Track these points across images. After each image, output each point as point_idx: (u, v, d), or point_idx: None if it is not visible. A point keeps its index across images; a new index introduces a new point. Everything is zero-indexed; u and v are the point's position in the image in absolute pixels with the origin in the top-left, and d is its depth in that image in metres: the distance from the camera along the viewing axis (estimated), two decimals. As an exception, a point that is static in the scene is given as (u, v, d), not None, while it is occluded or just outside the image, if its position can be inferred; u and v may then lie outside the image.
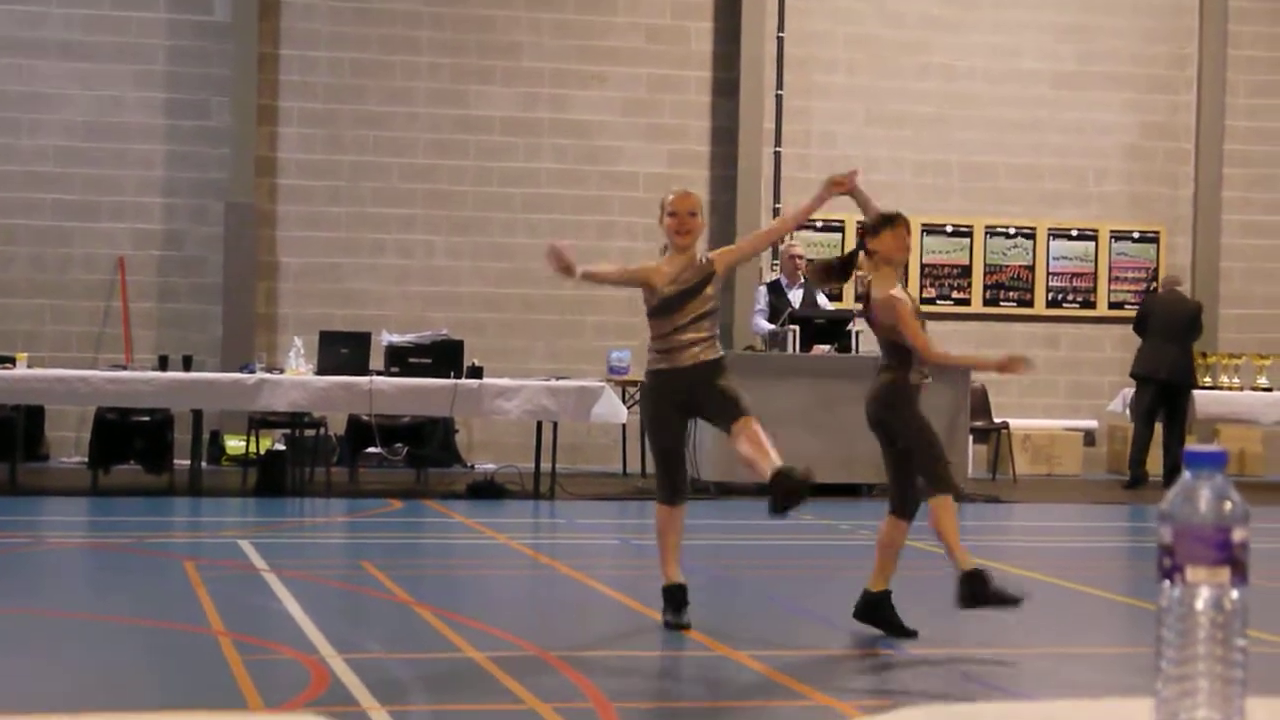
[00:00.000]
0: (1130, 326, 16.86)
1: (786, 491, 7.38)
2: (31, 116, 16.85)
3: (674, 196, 8.13)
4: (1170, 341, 15.96)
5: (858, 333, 14.99)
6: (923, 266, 18.15)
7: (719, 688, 6.82)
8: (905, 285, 8.06)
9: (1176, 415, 16.04)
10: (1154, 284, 18.69)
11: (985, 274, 18.43)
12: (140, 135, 17.01)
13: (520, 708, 6.14)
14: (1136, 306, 17.33)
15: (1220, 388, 16.75)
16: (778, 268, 16.00)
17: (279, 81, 17.25)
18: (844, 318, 15.24)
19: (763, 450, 7.61)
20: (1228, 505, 1.71)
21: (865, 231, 7.98)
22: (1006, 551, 12.16)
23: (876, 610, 7.75)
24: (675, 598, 7.87)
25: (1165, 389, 15.98)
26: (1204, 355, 16.89)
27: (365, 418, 14.46)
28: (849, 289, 16.58)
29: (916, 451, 7.77)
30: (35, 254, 16.87)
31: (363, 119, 17.37)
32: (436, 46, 17.52)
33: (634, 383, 15.45)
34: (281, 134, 17.27)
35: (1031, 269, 18.63)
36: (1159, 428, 16.27)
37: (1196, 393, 16.46)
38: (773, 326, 14.84)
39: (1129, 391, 16.60)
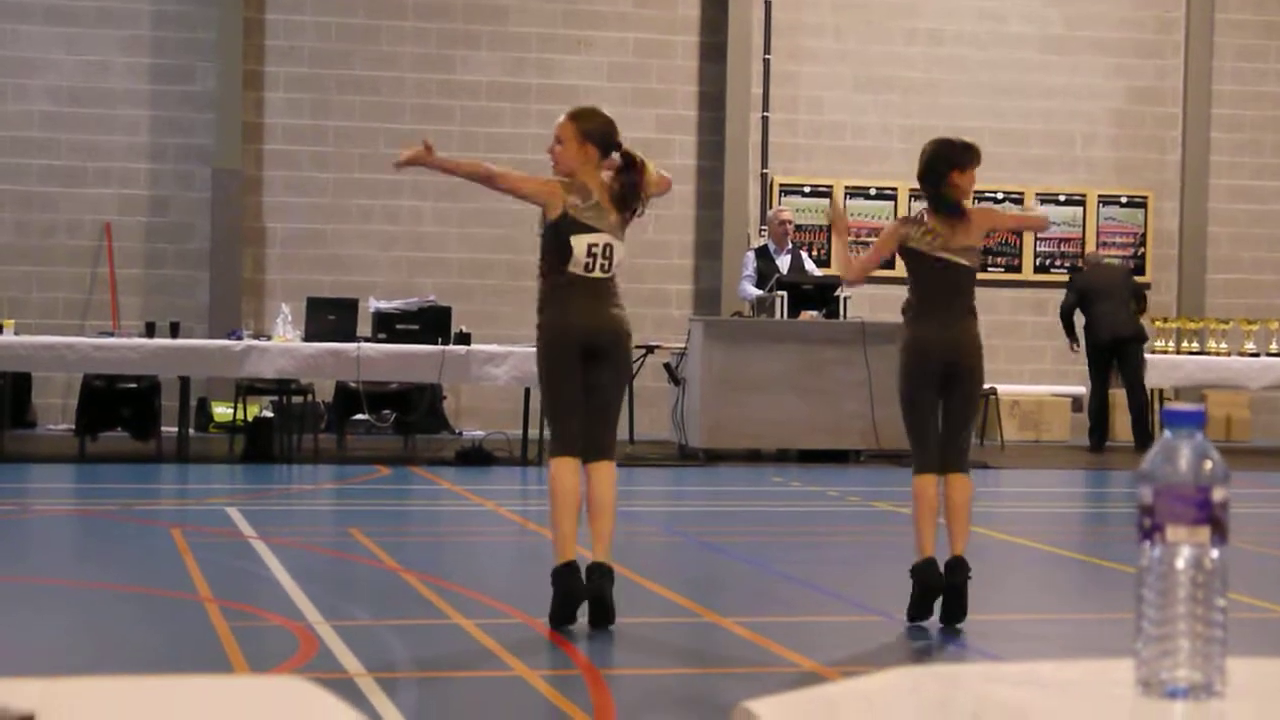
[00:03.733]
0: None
1: (595, 593, 6.89)
2: (16, 81, 16.77)
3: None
4: (1120, 304, 16.33)
5: (846, 298, 14.99)
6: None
7: (706, 654, 6.83)
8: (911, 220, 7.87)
9: (1137, 377, 16.18)
10: (1140, 249, 18.71)
11: (973, 239, 18.41)
12: (126, 100, 16.94)
13: (508, 674, 6.15)
14: (1075, 277, 17.36)
15: (1207, 353, 16.78)
16: (765, 233, 15.99)
17: (265, 46, 17.19)
18: (832, 283, 15.23)
19: (607, 525, 7.05)
20: (1208, 464, 1.71)
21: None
22: (994, 517, 12.20)
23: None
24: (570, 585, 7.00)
25: (1115, 345, 16.18)
26: (1165, 320, 17.16)
27: (353, 384, 14.44)
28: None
29: (974, 414, 7.52)
30: (21, 220, 16.82)
31: (349, 84, 17.31)
32: (423, 11, 17.46)
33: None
34: (268, 99, 17.21)
35: (1019, 234, 18.63)
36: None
37: (1182, 358, 16.52)
38: (760, 292, 14.83)
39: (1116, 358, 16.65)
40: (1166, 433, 1.73)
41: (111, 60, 16.92)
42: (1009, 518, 12.18)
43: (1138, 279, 17.67)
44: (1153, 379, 16.35)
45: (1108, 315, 16.23)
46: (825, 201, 18.01)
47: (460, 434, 16.48)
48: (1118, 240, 18.84)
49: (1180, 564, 1.70)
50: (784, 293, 14.65)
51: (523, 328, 17.09)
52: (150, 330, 13.94)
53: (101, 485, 12.55)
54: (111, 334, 14.59)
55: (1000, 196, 18.57)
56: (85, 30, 16.84)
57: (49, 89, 16.82)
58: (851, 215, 18.22)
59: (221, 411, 15.93)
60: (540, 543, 10.16)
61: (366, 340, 13.80)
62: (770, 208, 17.10)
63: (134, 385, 14.27)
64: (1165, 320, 17.13)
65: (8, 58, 16.74)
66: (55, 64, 16.82)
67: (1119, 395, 16.64)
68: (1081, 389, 18.46)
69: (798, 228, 16.55)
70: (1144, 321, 16.63)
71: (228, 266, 16.87)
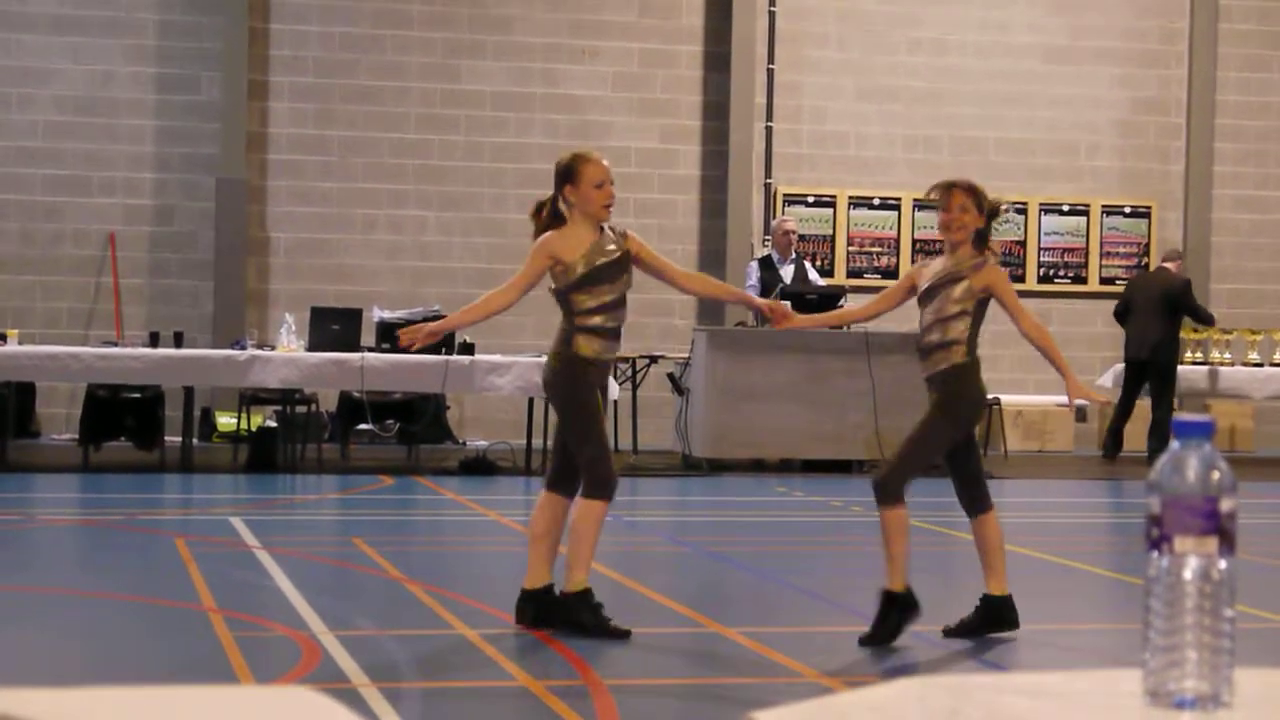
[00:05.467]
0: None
1: (574, 616, 7.02)
2: (21, 91, 16.79)
3: (597, 163, 7.19)
4: (1150, 319, 15.92)
5: (849, 308, 14.97)
6: (914, 242, 18.15)
7: (710, 664, 6.82)
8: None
9: (1161, 392, 15.98)
10: (1144, 259, 18.74)
11: (977, 249, 18.40)
12: (130, 110, 16.96)
13: (512, 684, 6.15)
14: (1127, 282, 17.31)
15: (1211, 363, 16.76)
16: (769, 243, 15.99)
17: (270, 56, 17.21)
18: (835, 293, 15.23)
19: (584, 551, 7.12)
20: (1216, 475, 1.71)
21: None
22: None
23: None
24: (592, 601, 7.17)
25: (1148, 368, 15.96)
26: (1195, 330, 16.86)
27: (357, 394, 14.44)
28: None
29: (911, 440, 7.24)
30: (25, 229, 16.83)
31: (354, 94, 17.33)
32: (428, 20, 17.48)
33: (625, 359, 15.44)
34: (272, 109, 17.23)
35: (1023, 244, 18.63)
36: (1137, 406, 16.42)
37: (1186, 368, 16.47)
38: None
39: (1120, 367, 16.61)
40: (1175, 443, 1.73)
41: (116, 70, 16.94)
42: (1014, 528, 12.16)
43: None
44: (1156, 388, 16.34)
45: (1136, 332, 15.96)
46: (829, 211, 18.03)
47: (464, 444, 16.48)
48: (1121, 250, 18.83)
49: (1188, 574, 1.70)
50: (787, 303, 14.62)
51: (524, 338, 17.13)
52: (154, 340, 13.94)
53: (105, 495, 12.55)
54: (115, 343, 14.58)
55: (1004, 206, 18.54)
56: (91, 40, 16.86)
57: (54, 98, 16.84)
58: (855, 226, 18.24)
59: (225, 421, 15.92)
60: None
61: (370, 350, 13.80)
62: (774, 218, 17.10)
63: (138, 395, 14.28)
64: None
65: (13, 67, 16.77)
66: (61, 73, 16.84)
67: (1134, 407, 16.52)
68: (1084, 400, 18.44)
69: (801, 238, 16.56)
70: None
71: (232, 276, 16.88)
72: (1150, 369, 15.95)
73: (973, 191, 7.33)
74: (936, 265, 7.36)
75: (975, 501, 7.36)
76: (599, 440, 7.14)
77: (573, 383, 7.14)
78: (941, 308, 7.18)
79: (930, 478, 14.77)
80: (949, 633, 7.20)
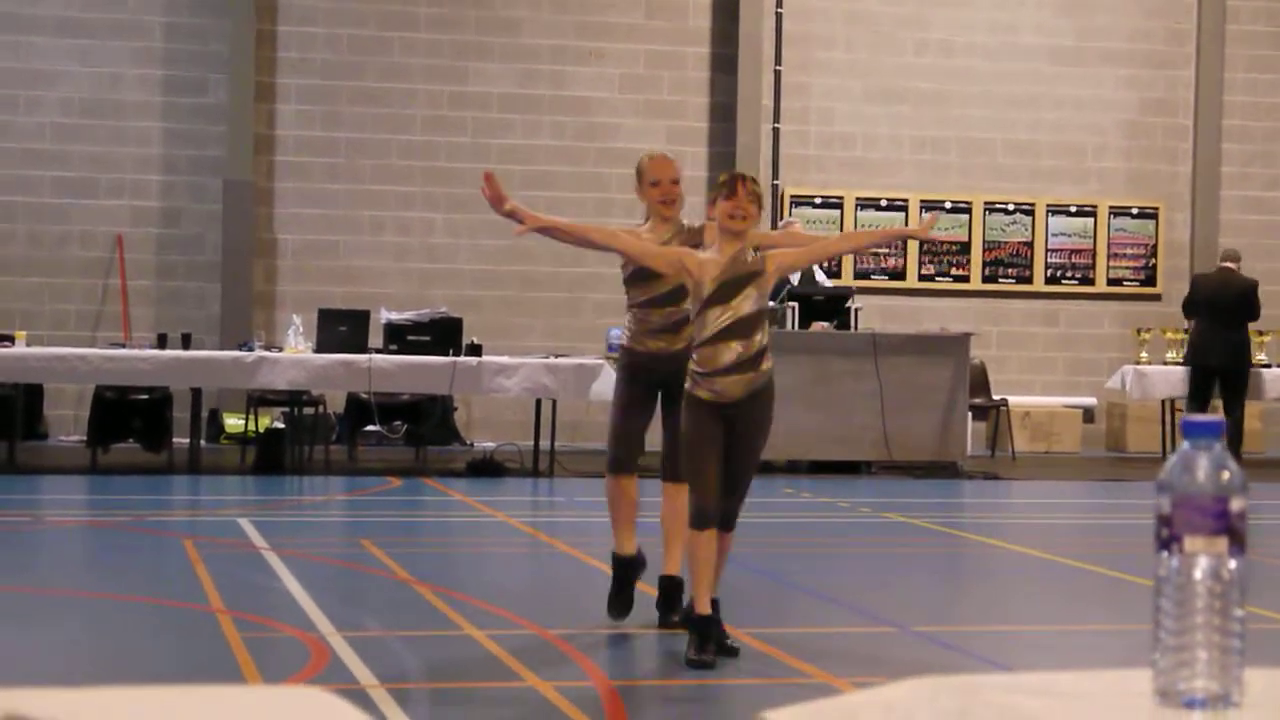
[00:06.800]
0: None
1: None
2: (29, 93, 16.82)
3: (656, 161, 7.56)
4: (1229, 324, 15.69)
5: (857, 309, 14.99)
6: (921, 244, 18.13)
7: (719, 666, 6.81)
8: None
9: (1233, 399, 15.76)
10: (1153, 260, 18.72)
11: (984, 250, 18.40)
12: (138, 112, 16.98)
13: (520, 685, 6.15)
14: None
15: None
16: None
17: (277, 58, 17.22)
18: (843, 294, 15.23)
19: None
20: (1226, 475, 1.71)
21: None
22: (1006, 529, 12.19)
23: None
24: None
25: (1219, 375, 15.76)
26: (1177, 331, 16.72)
27: (364, 396, 14.46)
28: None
29: (753, 468, 7.16)
30: (33, 231, 16.86)
31: (361, 95, 17.34)
32: (434, 22, 17.49)
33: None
34: (279, 111, 17.24)
35: (1030, 245, 18.62)
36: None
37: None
38: (771, 304, 14.82)
39: (1128, 369, 16.57)
40: (1185, 443, 1.73)
41: (124, 72, 16.96)
42: (1023, 530, 12.17)
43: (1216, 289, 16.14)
44: (1163, 390, 16.32)
45: (1206, 339, 15.68)
46: (836, 213, 18.02)
47: (471, 445, 16.48)
48: (1129, 252, 18.82)
49: (1198, 574, 1.70)
50: (795, 304, 14.65)
51: (533, 339, 17.14)
52: (162, 341, 13.96)
53: (113, 496, 12.56)
54: (123, 345, 14.60)
55: (1011, 207, 18.56)
56: (98, 42, 16.89)
57: (61, 101, 16.87)
58: (862, 227, 18.22)
59: (233, 423, 15.94)
60: (551, 553, 10.16)
61: (378, 351, 13.82)
62: (781, 219, 17.10)
63: (145, 396, 14.29)
64: (1177, 331, 17.10)
65: (20, 70, 16.79)
66: (68, 76, 16.87)
67: (1135, 408, 16.38)
68: (1092, 400, 18.44)
69: (809, 239, 16.54)
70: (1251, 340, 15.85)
71: (239, 278, 16.90)
72: (1228, 374, 15.73)
73: (757, 189, 6.71)
74: (715, 264, 6.61)
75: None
76: (611, 424, 7.52)
77: (618, 370, 7.67)
78: (750, 309, 6.60)
79: (934, 479, 14.78)
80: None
